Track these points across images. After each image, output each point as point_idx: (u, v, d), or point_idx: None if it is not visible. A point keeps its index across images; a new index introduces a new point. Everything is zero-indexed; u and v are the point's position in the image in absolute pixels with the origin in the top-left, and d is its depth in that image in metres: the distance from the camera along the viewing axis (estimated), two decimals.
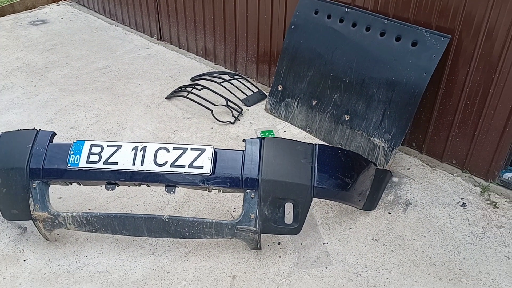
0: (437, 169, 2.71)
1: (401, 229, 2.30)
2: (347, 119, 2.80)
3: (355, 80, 2.73)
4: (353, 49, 2.72)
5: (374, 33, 2.65)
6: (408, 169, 2.71)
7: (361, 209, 2.37)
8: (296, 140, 2.11)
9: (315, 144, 2.08)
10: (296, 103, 3.08)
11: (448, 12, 2.39)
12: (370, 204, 2.39)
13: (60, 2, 5.73)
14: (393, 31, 2.57)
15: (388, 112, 2.59)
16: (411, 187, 2.57)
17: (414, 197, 2.50)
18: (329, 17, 2.85)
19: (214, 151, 2.02)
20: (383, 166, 2.64)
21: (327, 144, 2.84)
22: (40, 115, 3.26)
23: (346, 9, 2.77)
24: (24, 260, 2.10)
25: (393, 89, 2.56)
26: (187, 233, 2.04)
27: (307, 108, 3.02)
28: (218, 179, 2.00)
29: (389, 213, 2.40)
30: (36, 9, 5.57)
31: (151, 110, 3.33)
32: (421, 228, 2.30)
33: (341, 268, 2.09)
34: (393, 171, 2.66)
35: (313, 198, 2.03)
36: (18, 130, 2.21)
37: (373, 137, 2.67)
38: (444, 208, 2.42)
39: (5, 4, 5.70)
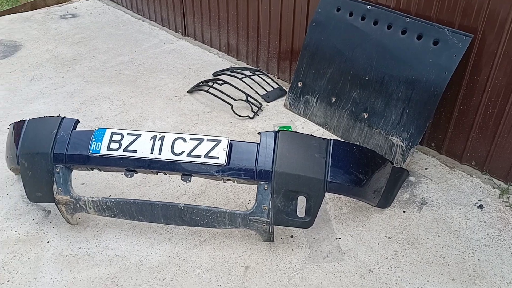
0: (455, 170, 2.68)
1: (415, 227, 2.29)
2: (365, 117, 2.79)
3: (374, 78, 2.72)
4: (374, 47, 2.72)
5: (395, 31, 2.63)
6: (426, 169, 2.69)
7: (375, 206, 2.37)
8: (311, 135, 2.13)
9: (330, 139, 2.10)
10: (315, 99, 3.09)
11: (471, 10, 2.36)
12: (384, 201, 2.38)
13: None
14: (415, 30, 2.55)
15: (407, 111, 2.58)
16: (427, 187, 2.55)
17: (430, 197, 2.48)
18: (351, 14, 2.85)
19: (230, 142, 2.06)
20: (400, 165, 2.62)
21: (342, 140, 2.84)
22: (66, 105, 3.38)
23: (368, 7, 2.76)
24: (48, 242, 2.20)
25: (412, 87, 2.55)
26: (202, 222, 2.09)
27: (326, 105, 3.03)
28: (232, 170, 2.04)
29: (404, 211, 2.39)
30: (66, 3, 5.74)
31: (172, 103, 3.40)
32: (436, 228, 2.28)
33: (353, 264, 2.09)
34: (410, 170, 2.64)
35: (326, 193, 2.05)
36: (44, 116, 2.31)
37: (391, 136, 2.66)
38: (460, 209, 2.39)
39: None
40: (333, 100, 2.97)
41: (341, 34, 2.89)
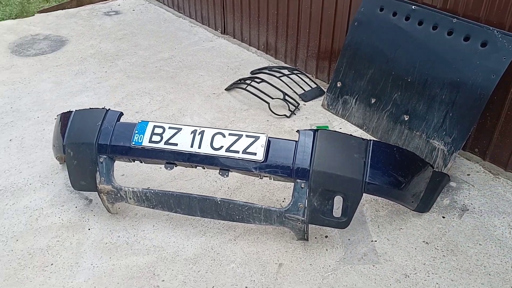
0: (500, 177, 2.58)
1: (455, 234, 2.22)
2: (406, 119, 2.73)
3: (417, 79, 2.66)
4: (418, 48, 2.65)
5: (441, 32, 2.56)
6: (468, 175, 2.61)
7: (413, 210, 2.32)
8: (351, 135, 2.10)
9: (370, 140, 2.07)
10: (354, 100, 3.05)
11: None
12: (423, 206, 2.33)
13: None
14: (462, 31, 2.48)
15: (450, 114, 2.51)
16: (469, 193, 2.47)
17: (471, 204, 2.40)
18: (394, 14, 2.80)
19: (268, 139, 2.07)
20: (441, 170, 2.55)
21: (382, 141, 2.79)
22: (108, 99, 3.49)
23: (413, 7, 2.70)
24: (89, 229, 2.28)
25: (457, 90, 2.47)
26: (237, 217, 2.11)
27: (365, 106, 2.99)
28: (269, 167, 2.04)
29: (443, 217, 2.32)
30: (110, 0, 5.92)
31: (210, 100, 3.45)
32: (477, 236, 2.21)
33: (388, 268, 2.06)
34: (451, 176, 2.56)
35: (363, 194, 2.02)
36: (90, 108, 2.39)
37: (433, 139, 2.59)
38: (504, 218, 2.30)
39: None
40: (372, 101, 2.93)
41: (384, 34, 2.84)
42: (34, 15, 5.43)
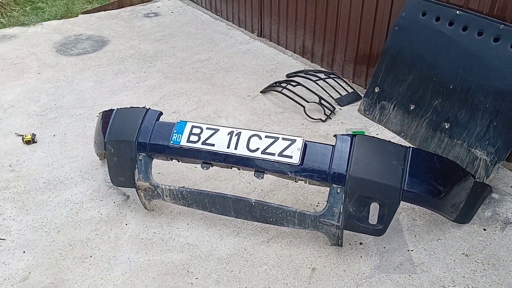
0: None
1: (496, 248, 2.14)
2: (446, 127, 2.66)
3: (460, 86, 2.58)
4: (461, 54, 2.58)
5: (486, 38, 2.48)
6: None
7: (452, 221, 2.25)
8: (389, 141, 2.07)
9: (409, 147, 2.02)
10: (392, 106, 3.00)
11: None
12: (463, 217, 2.25)
13: None
14: (509, 37, 2.39)
15: (495, 123, 2.42)
16: None
17: None
18: (437, 19, 2.73)
19: (304, 142, 2.06)
20: (483, 180, 2.47)
21: (422, 149, 2.73)
22: (147, 98, 3.57)
23: (458, 12, 2.63)
24: (126, 224, 2.33)
25: (502, 99, 2.39)
26: (271, 219, 2.11)
27: (403, 112, 2.93)
28: (305, 170, 2.03)
29: (485, 229, 2.24)
30: (150, 2, 6.07)
31: (246, 102, 3.47)
32: None
33: (425, 279, 2.00)
34: (493, 187, 2.47)
35: (401, 202, 1.98)
36: (131, 107, 2.45)
37: (474, 149, 2.51)
38: None
39: None
40: (411, 108, 2.87)
41: (425, 40, 2.78)
42: (78, 16, 5.63)
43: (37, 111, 3.42)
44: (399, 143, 2.13)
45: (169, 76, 3.95)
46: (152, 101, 3.53)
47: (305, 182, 2.10)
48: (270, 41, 4.58)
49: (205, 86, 3.74)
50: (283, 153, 2.06)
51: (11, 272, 2.05)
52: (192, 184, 2.60)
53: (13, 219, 2.36)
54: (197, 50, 4.46)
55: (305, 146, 2.07)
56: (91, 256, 2.13)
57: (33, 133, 3.05)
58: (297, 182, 2.16)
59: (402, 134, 2.95)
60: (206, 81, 3.83)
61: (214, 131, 2.18)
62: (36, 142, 3.03)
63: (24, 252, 2.15)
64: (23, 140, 3.02)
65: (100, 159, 2.78)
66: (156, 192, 2.24)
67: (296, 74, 3.77)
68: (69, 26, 5.22)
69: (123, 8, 5.89)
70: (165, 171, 2.70)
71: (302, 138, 2.07)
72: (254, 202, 2.11)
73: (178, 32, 4.95)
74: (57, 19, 5.53)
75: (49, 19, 5.49)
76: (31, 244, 2.19)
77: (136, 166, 2.25)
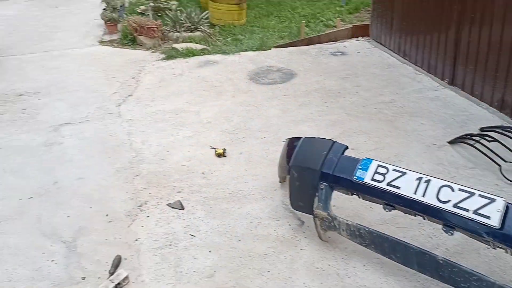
0: None
1: None
2: None
3: None
4: None
5: None
6: None
7: None
8: None
9: None
10: None
11: None
12: None
13: (359, 38, 6.33)
14: None
15: None
16: None
17: None
18: None
19: (506, 205, 1.84)
20: None
21: None
22: (327, 132, 3.68)
23: None
24: (301, 249, 2.41)
25: None
26: (463, 285, 1.90)
27: None
28: (507, 237, 1.80)
29: None
30: (337, 42, 6.31)
31: (430, 151, 3.28)
32: None
33: None
34: None
35: None
36: (318, 138, 2.56)
37: None
38: None
39: (313, 35, 6.71)
40: None
41: None
42: (270, 49, 6.20)
43: (229, 129, 3.84)
44: None
45: (350, 113, 4.01)
46: (332, 135, 3.61)
47: (506, 252, 1.85)
48: (463, 90, 4.27)
49: (386, 128, 3.68)
50: (479, 211, 1.88)
51: (198, 267, 2.31)
52: (366, 224, 2.52)
53: (202, 220, 2.67)
54: (381, 92, 4.44)
55: (506, 208, 1.84)
56: (268, 271, 2.26)
57: (224, 148, 3.43)
58: (495, 249, 1.91)
59: None
60: (389, 123, 3.76)
61: (401, 174, 2.12)
62: (225, 156, 3.39)
63: (210, 251, 2.41)
64: (215, 153, 3.42)
65: (280, 181, 2.96)
66: (333, 223, 2.27)
67: (492, 129, 3.42)
68: (263, 58, 5.77)
69: (312, 45, 6.25)
70: (340, 205, 2.71)
71: (504, 199, 1.85)
72: (441, 260, 1.95)
73: (363, 72, 5.02)
74: (253, 50, 6.17)
75: (246, 50, 6.17)
76: (216, 246, 2.44)
77: (317, 194, 2.31)
